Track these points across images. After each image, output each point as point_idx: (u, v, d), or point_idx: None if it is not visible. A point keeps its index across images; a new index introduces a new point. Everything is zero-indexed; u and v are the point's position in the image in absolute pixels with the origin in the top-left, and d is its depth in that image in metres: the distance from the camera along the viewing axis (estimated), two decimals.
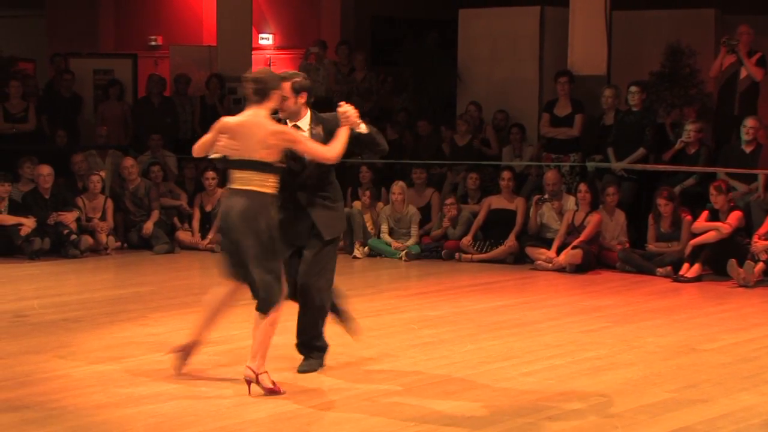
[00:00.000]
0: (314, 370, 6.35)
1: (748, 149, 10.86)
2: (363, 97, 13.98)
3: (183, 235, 12.13)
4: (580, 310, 8.59)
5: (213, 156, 6.22)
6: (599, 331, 7.68)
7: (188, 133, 14.17)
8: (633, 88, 11.53)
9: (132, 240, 12.01)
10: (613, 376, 6.30)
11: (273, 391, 5.80)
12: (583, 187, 11.00)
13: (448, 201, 11.69)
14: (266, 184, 5.92)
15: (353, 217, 11.65)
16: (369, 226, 11.75)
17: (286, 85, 6.14)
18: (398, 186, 11.73)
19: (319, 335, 6.45)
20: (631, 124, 11.54)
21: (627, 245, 10.83)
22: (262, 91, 5.97)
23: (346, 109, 6.27)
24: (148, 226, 11.90)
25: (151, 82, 14.26)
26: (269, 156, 5.91)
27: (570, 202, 11.23)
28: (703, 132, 11.38)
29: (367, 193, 11.89)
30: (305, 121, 6.28)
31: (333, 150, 6.10)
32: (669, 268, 10.29)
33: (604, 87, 11.98)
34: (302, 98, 6.24)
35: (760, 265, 9.79)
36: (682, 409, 5.62)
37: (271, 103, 6.01)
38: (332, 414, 5.50)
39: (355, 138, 6.24)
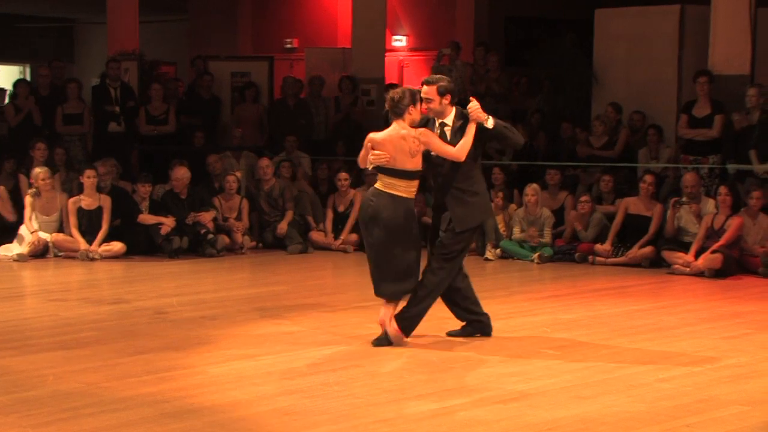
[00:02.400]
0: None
1: None
2: (497, 98, 13.92)
3: (316, 236, 12.29)
4: (720, 315, 8.36)
5: (369, 167, 7.13)
6: (740, 337, 7.46)
7: (322, 134, 14.35)
8: None
9: (267, 240, 12.22)
10: (756, 385, 6.12)
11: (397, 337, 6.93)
12: (723, 189, 10.70)
13: (583, 198, 11.56)
14: (410, 190, 7.01)
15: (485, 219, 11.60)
16: (501, 227, 11.68)
17: (432, 89, 7.00)
18: (531, 188, 11.64)
19: (408, 308, 7.07)
20: None
21: None
22: (398, 109, 7.01)
23: (472, 105, 7.01)
24: (283, 226, 12.09)
25: (286, 84, 14.50)
26: (416, 165, 6.97)
27: (709, 205, 10.94)
28: None
29: (500, 194, 11.84)
30: (450, 118, 7.07)
31: (459, 148, 6.96)
32: None
33: (747, 86, 11.63)
34: (446, 99, 7.04)
35: None
36: None
37: (409, 117, 7.00)
38: (463, 415, 5.49)
39: (486, 133, 6.98)
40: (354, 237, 12.12)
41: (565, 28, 14.44)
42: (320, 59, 15.77)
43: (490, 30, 16.74)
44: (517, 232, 11.57)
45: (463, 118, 7.03)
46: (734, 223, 10.50)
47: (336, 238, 12.20)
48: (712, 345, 7.19)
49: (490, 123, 6.99)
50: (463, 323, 7.34)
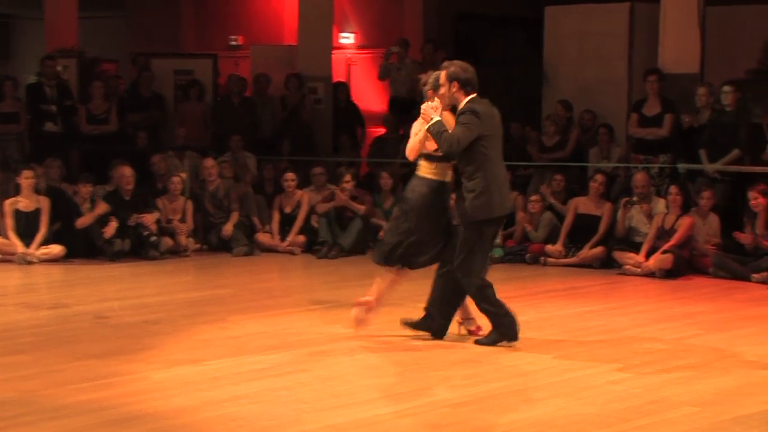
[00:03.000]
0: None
1: None
2: None
3: (263, 237, 12.24)
4: (670, 316, 8.46)
5: None
6: (690, 338, 7.56)
7: (268, 134, 14.31)
8: (726, 88, 11.33)
9: (211, 242, 12.16)
10: (706, 386, 6.20)
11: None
12: (674, 189, 10.83)
13: (533, 198, 11.63)
14: (433, 171, 7.12)
15: None
16: None
17: (443, 74, 7.06)
18: None
19: (440, 313, 7.29)
20: (724, 125, 11.34)
21: (719, 248, 10.63)
22: (424, 92, 7.19)
23: (425, 104, 7.05)
24: (228, 228, 12.03)
25: (230, 82, 14.43)
26: (428, 147, 7.08)
27: (660, 204, 11.07)
28: None
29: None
30: (460, 108, 7.05)
31: (408, 146, 7.18)
32: (765, 273, 10.08)
33: (697, 85, 11.79)
34: (454, 87, 7.02)
35: None
36: None
37: (430, 101, 7.05)
38: (413, 420, 5.51)
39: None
40: (301, 238, 12.10)
41: (516, 26, 14.54)
42: (266, 57, 15.72)
43: (440, 27, 16.80)
44: None
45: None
46: (685, 223, 10.64)
47: (283, 239, 12.17)
48: (663, 346, 7.28)
49: (429, 124, 6.98)
50: (425, 313, 7.35)
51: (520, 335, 7.19)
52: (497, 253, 11.41)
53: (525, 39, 14.05)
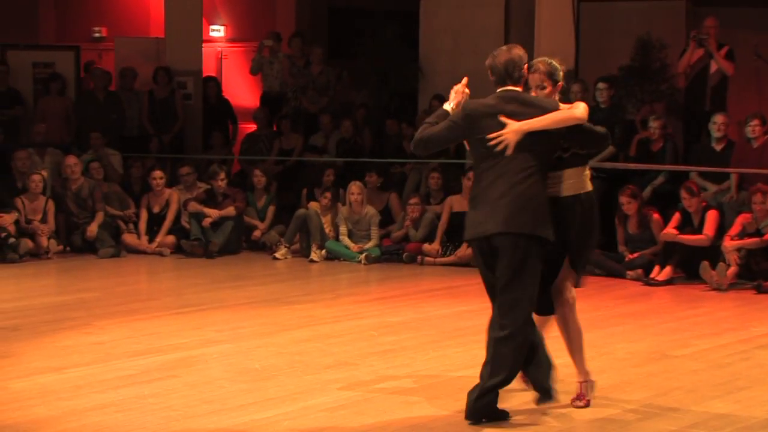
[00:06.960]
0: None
1: (718, 147, 10.98)
2: (320, 92, 13.97)
3: (129, 238, 12.05)
4: None
5: None
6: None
7: (134, 130, 14.08)
8: (601, 84, 11.60)
9: (75, 243, 11.90)
10: None
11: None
12: None
13: (412, 200, 11.71)
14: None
15: (310, 218, 11.65)
16: (327, 228, 11.72)
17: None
18: (356, 186, 11.72)
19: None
20: (599, 122, 11.54)
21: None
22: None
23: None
24: (93, 229, 11.80)
25: (94, 76, 14.14)
26: None
27: None
28: (669, 128, 11.50)
29: (327, 194, 11.87)
30: None
31: None
32: (640, 271, 10.37)
33: (571, 82, 12.03)
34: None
35: (733, 268, 9.90)
36: (652, 418, 5.69)
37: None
38: (288, 425, 5.50)
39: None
40: (170, 239, 11.95)
41: (391, 20, 14.61)
42: (131, 50, 15.44)
43: (313, 20, 16.79)
44: (343, 232, 11.64)
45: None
46: None
47: (151, 240, 12.00)
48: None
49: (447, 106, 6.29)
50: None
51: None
52: (374, 252, 11.47)
53: (400, 33, 14.13)
